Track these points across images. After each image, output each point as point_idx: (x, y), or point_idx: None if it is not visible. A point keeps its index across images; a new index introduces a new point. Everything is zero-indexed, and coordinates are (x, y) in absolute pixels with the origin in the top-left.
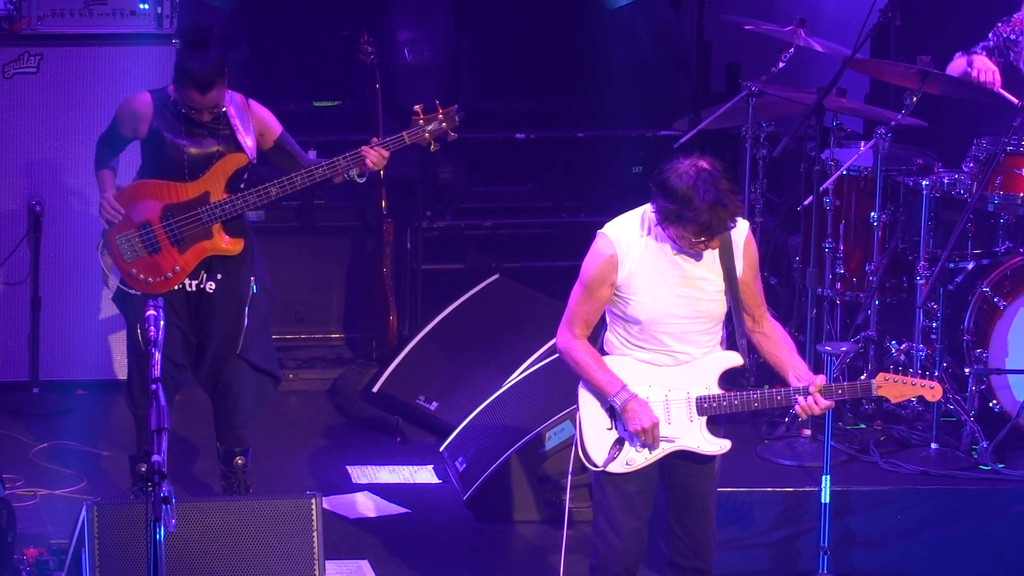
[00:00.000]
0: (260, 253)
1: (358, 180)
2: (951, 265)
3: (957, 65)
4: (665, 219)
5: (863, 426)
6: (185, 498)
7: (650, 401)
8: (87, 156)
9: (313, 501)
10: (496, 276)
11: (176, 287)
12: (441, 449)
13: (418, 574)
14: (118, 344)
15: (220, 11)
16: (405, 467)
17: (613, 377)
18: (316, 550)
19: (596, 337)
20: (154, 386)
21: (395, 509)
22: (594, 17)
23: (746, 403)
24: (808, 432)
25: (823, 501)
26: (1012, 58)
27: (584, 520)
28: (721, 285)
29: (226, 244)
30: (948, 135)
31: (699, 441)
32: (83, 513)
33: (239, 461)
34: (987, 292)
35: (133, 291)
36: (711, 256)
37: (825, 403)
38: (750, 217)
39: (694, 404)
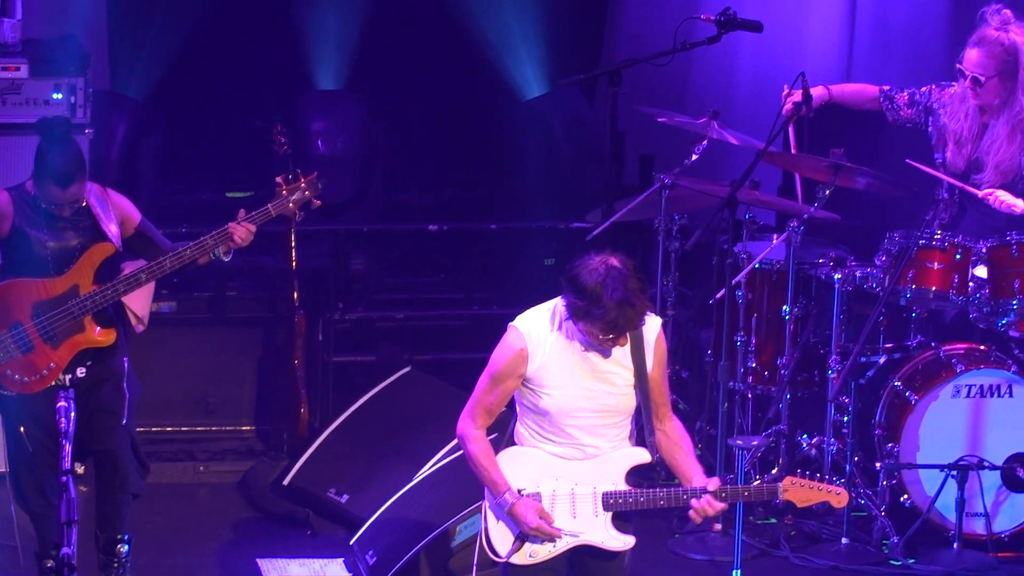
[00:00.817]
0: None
1: (224, 258)
2: (863, 359)
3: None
4: (574, 314)
5: (774, 520)
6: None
7: (556, 494)
8: None
9: None
10: (408, 368)
11: (53, 383)
12: (352, 542)
13: None
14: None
15: (133, 100)
16: (315, 560)
17: (500, 477)
18: None
19: (505, 426)
20: (64, 478)
21: None
22: (508, 109)
23: (652, 500)
24: (719, 526)
25: None
26: (927, 122)
27: None
28: (631, 379)
29: (98, 335)
30: (860, 228)
31: (603, 536)
32: None
33: (121, 549)
34: (899, 386)
35: (8, 392)
36: (622, 351)
37: (719, 505)
38: (662, 310)
39: (600, 499)
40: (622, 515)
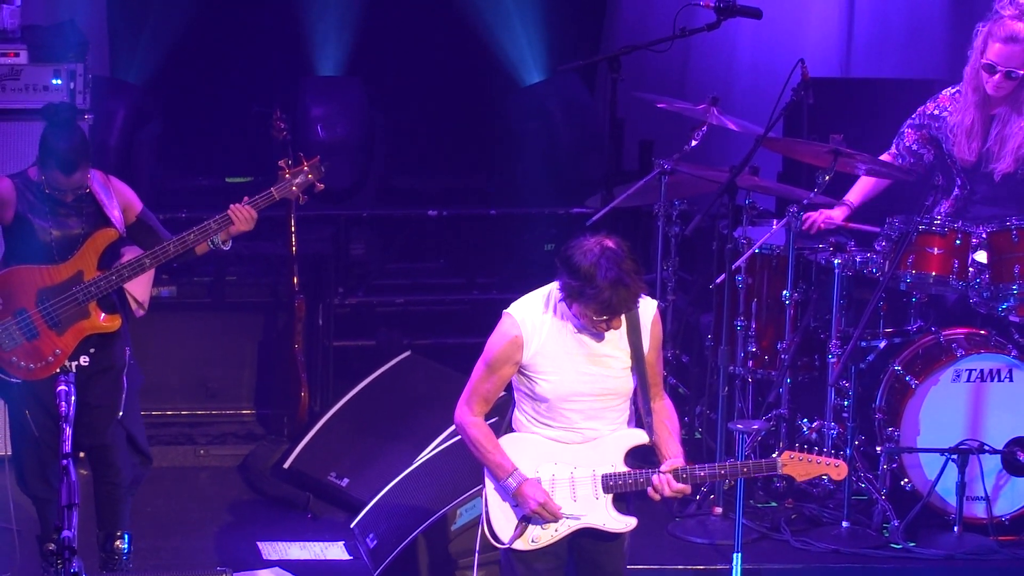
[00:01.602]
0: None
1: (223, 247)
2: (863, 343)
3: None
4: (568, 296)
5: (774, 504)
6: (94, 573)
7: (555, 479)
8: None
9: None
10: (407, 353)
11: (57, 370)
12: (352, 525)
13: None
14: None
15: (133, 86)
16: (316, 543)
17: (505, 460)
18: None
19: (504, 411)
20: (65, 461)
21: None
22: (507, 95)
23: (649, 481)
24: (719, 510)
25: None
26: (934, 131)
27: None
28: (627, 362)
29: (103, 321)
30: (860, 214)
31: (604, 519)
32: None
33: (119, 545)
34: (899, 371)
35: (13, 379)
36: (618, 333)
37: (677, 486)
38: (662, 295)
39: (599, 482)
40: (621, 497)
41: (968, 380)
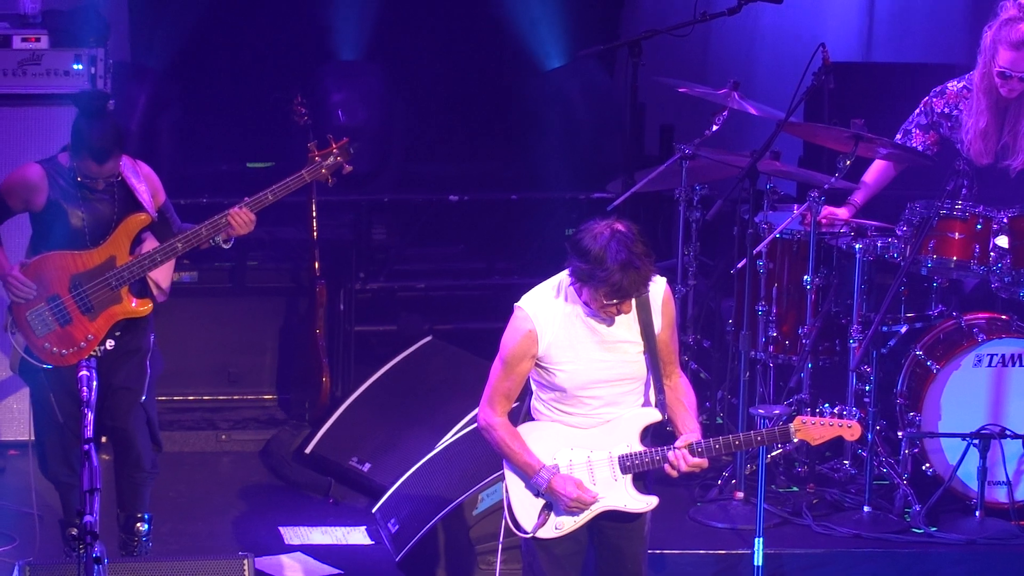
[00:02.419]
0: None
1: (224, 246)
2: (884, 328)
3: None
4: (579, 279)
5: (796, 489)
6: (117, 558)
7: (573, 464)
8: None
9: (245, 562)
10: (429, 338)
11: (89, 355)
12: (374, 510)
13: None
14: None
15: (153, 71)
16: (338, 528)
17: (532, 458)
18: None
19: (522, 397)
20: (86, 446)
21: (327, 570)
22: (528, 79)
23: (665, 459)
24: (741, 495)
25: (756, 564)
26: (945, 131)
27: None
28: (641, 345)
29: (135, 306)
30: (881, 198)
31: (625, 499)
32: (15, 574)
33: (140, 527)
34: (920, 356)
35: (45, 365)
36: (629, 317)
37: (694, 460)
38: (683, 280)
39: (616, 463)
40: (640, 476)
41: (989, 365)
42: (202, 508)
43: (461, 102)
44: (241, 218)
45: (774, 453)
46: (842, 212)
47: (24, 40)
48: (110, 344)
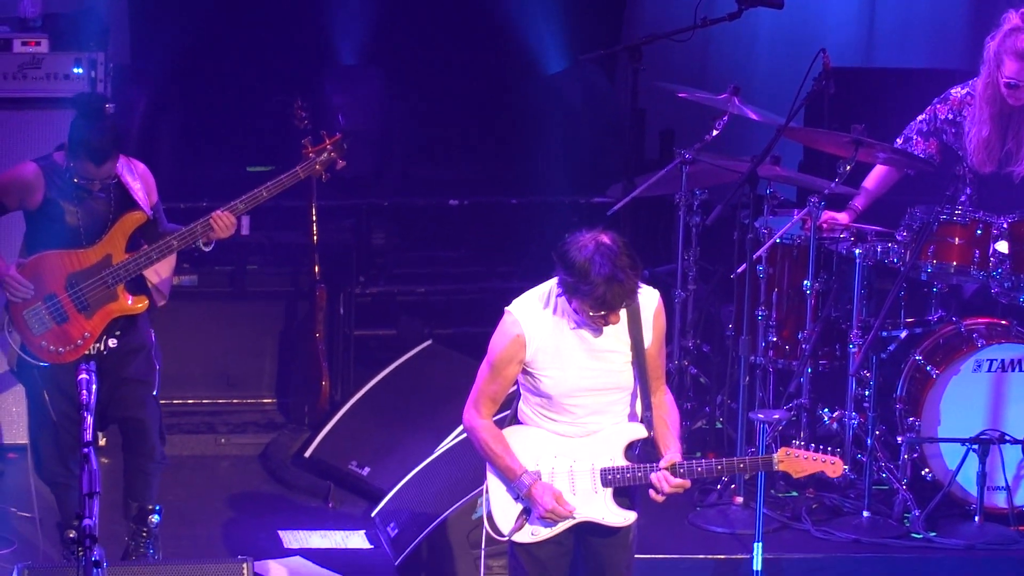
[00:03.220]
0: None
1: (204, 248)
2: (884, 333)
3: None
4: (566, 291)
5: (795, 493)
6: (116, 562)
7: (555, 472)
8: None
9: (244, 566)
10: (428, 342)
11: (86, 353)
12: (373, 514)
13: None
14: None
15: (153, 75)
16: (337, 532)
17: (514, 462)
18: None
19: (510, 403)
20: (86, 449)
21: (326, 574)
22: (528, 84)
23: (647, 476)
24: (740, 499)
25: (755, 568)
26: (948, 139)
27: None
28: (628, 356)
29: (131, 303)
30: (881, 203)
31: (603, 512)
32: None
33: (152, 519)
34: (920, 361)
35: (42, 363)
36: (619, 327)
37: (676, 481)
38: (683, 285)
39: (598, 475)
40: (624, 491)
41: (989, 370)
42: (201, 512)
43: (461, 106)
44: (222, 221)
45: None
46: (842, 217)
47: (24, 44)
48: (112, 343)
